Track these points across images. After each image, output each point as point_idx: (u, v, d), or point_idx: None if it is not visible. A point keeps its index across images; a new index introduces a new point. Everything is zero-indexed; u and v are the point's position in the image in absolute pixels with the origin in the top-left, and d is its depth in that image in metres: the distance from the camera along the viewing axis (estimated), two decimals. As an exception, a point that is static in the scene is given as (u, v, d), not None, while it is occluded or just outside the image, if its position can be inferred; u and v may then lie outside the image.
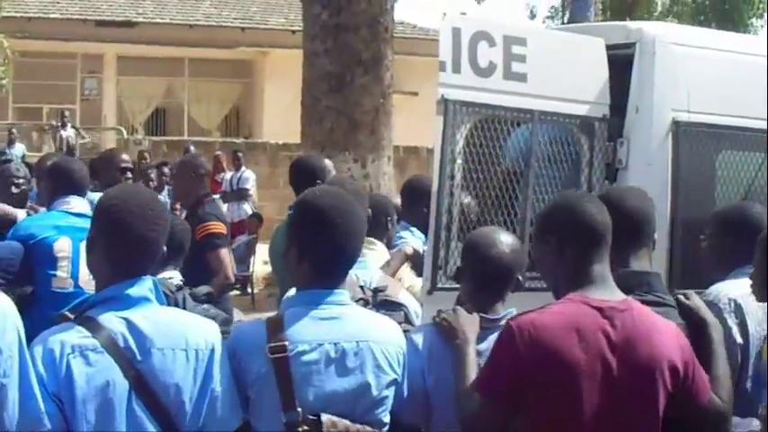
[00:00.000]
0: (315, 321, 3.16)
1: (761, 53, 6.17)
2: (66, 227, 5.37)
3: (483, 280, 3.75)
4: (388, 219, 5.65)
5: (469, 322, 3.53)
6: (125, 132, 20.20)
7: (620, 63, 6.01)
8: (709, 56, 6.09)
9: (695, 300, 3.66)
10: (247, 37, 23.86)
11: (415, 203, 6.12)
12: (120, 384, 2.91)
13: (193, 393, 3.00)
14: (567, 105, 5.90)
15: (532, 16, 41.17)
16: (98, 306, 3.01)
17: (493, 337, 3.46)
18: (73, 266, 5.26)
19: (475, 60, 5.70)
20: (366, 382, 3.15)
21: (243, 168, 17.98)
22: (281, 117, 22.43)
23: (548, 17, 39.53)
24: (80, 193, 5.65)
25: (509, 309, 3.69)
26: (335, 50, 13.59)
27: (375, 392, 3.15)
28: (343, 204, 3.27)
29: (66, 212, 5.49)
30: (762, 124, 6.00)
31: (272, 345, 3.10)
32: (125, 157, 7.50)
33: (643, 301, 3.42)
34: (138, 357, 2.94)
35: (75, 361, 2.89)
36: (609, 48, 6.02)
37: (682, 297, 3.66)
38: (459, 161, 5.69)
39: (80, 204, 5.56)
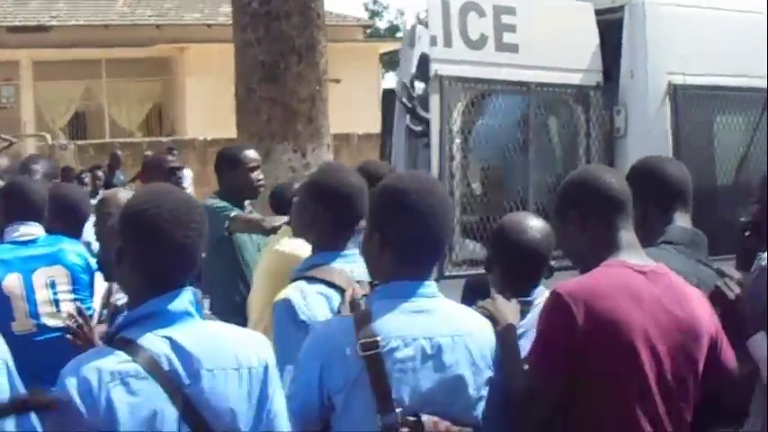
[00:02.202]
0: (407, 315, 2.86)
1: (754, 9, 6.02)
2: (12, 260, 4.74)
3: (518, 266, 3.61)
4: None
5: (510, 309, 3.32)
6: (49, 138, 19.60)
7: (609, 28, 5.82)
8: (700, 15, 5.93)
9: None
10: (163, 34, 23.37)
11: None
12: (169, 414, 2.52)
13: (249, 418, 2.64)
14: (560, 75, 5.71)
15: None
16: (135, 325, 2.60)
17: (531, 317, 3.32)
18: (29, 304, 4.68)
19: (466, 32, 5.46)
20: (463, 380, 2.87)
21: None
22: (203, 113, 22.06)
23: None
24: (37, 218, 4.94)
25: (540, 287, 3.60)
26: (268, 39, 13.16)
27: (472, 391, 2.87)
28: (431, 187, 2.98)
29: (15, 243, 4.83)
30: (759, 82, 5.85)
31: (364, 341, 2.79)
32: (171, 157, 7.01)
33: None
34: (186, 381, 2.55)
35: (116, 390, 2.48)
36: (596, 12, 5.83)
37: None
38: (457, 140, 5.45)
39: (33, 231, 4.89)
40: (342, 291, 3.51)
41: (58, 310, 4.67)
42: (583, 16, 5.77)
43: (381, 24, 47.08)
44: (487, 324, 3.03)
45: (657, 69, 5.74)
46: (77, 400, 2.47)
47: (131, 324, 2.62)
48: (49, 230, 4.93)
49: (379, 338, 2.79)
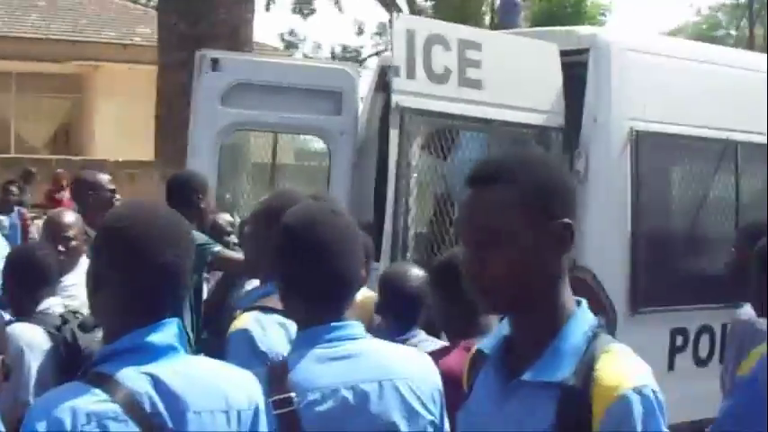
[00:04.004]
0: (324, 363, 2.59)
1: (718, 61, 5.97)
2: None
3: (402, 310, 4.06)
4: None
5: None
6: (-46, 153, 18.96)
7: (573, 69, 5.70)
8: (665, 63, 5.86)
9: None
10: (78, 51, 22.81)
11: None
12: None
13: None
14: (522, 114, 5.55)
15: (360, 32, 41.18)
16: (114, 359, 2.29)
17: None
18: None
19: (429, 66, 5.30)
20: (396, 428, 2.58)
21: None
22: (111, 133, 21.57)
23: (375, 33, 39.52)
24: None
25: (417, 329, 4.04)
26: (193, 63, 12.97)
27: None
28: (327, 218, 2.69)
29: None
30: (718, 133, 5.80)
31: (276, 398, 2.51)
32: (106, 176, 6.62)
33: None
34: (170, 425, 2.26)
35: None
36: (561, 53, 5.72)
37: None
38: (414, 175, 5.26)
39: None
40: None
41: None
42: (548, 56, 5.65)
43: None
44: (429, 364, 2.74)
45: (620, 115, 5.64)
46: None
47: (109, 358, 2.30)
48: None
49: (292, 395, 2.52)
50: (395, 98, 5.21)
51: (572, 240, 2.10)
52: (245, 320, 3.27)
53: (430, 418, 2.64)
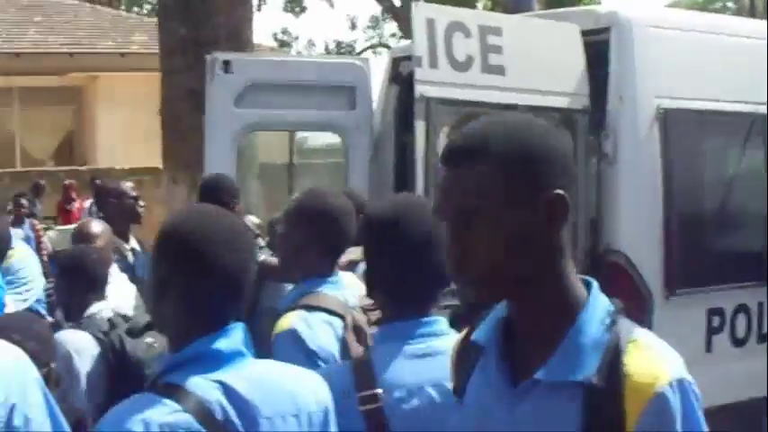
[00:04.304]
0: (410, 360, 2.56)
1: (743, 34, 5.86)
2: None
3: None
4: None
5: None
6: (-37, 168, 18.94)
7: (594, 49, 5.59)
8: (689, 38, 5.74)
9: None
10: (76, 62, 22.77)
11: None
12: None
13: None
14: (548, 98, 5.46)
15: (353, 27, 41.12)
16: (181, 368, 2.22)
17: None
18: None
19: (452, 53, 5.20)
20: None
21: (104, 196, 16.97)
22: (115, 142, 21.56)
23: (368, 27, 39.44)
24: None
25: None
26: (197, 66, 12.84)
27: None
28: (422, 212, 2.65)
29: None
30: (748, 107, 5.69)
31: (362, 394, 2.50)
32: (129, 184, 6.58)
33: None
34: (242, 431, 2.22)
35: None
36: (582, 33, 5.61)
37: None
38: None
39: None
40: (341, 317, 3.27)
41: None
42: (569, 37, 5.54)
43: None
44: None
45: (646, 93, 5.52)
46: None
47: (176, 367, 2.23)
48: None
49: (379, 391, 2.49)
50: (419, 89, 5.11)
51: (566, 212, 1.82)
52: (291, 320, 3.22)
53: None
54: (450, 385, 2.39)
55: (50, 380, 2.81)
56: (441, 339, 2.60)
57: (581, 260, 5.47)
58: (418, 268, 2.58)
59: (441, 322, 2.64)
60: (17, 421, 2.14)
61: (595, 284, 1.90)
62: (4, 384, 2.12)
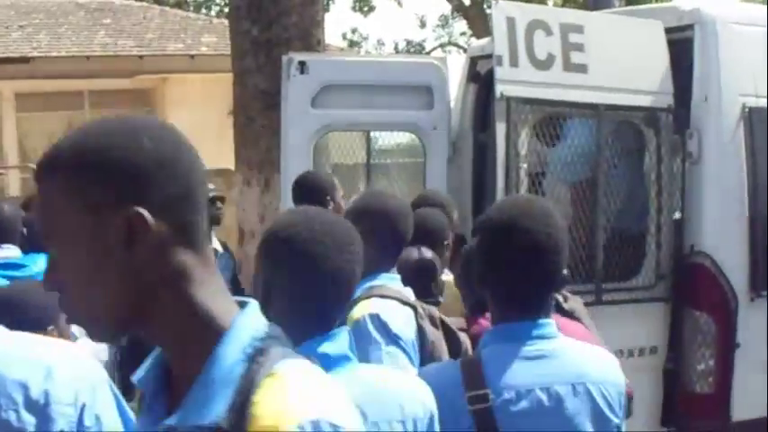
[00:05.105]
0: (521, 362, 2.52)
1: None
2: None
3: None
4: None
5: None
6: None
7: (678, 47, 5.50)
8: (770, 34, 5.60)
9: None
10: (146, 64, 22.99)
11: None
12: None
13: None
14: (631, 97, 5.37)
15: (422, 26, 41.00)
16: None
17: None
18: None
19: (532, 52, 5.14)
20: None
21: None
22: (187, 143, 21.76)
23: (437, 26, 39.29)
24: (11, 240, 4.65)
25: None
26: (268, 67, 12.91)
27: None
28: (535, 212, 2.61)
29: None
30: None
31: (472, 394, 2.46)
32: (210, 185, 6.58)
33: None
34: None
35: None
36: (665, 31, 5.51)
37: None
38: (524, 165, 5.10)
39: (10, 254, 4.58)
40: (412, 307, 3.39)
41: None
42: (652, 35, 5.45)
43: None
44: (616, 366, 2.66)
45: (731, 91, 5.42)
46: None
47: None
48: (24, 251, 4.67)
49: (488, 391, 2.45)
50: (499, 88, 5.06)
51: (143, 232, 1.44)
52: (369, 306, 3.30)
53: (616, 421, 2.59)
54: (559, 389, 2.45)
55: None
56: (552, 342, 2.57)
57: (666, 262, 5.39)
58: (531, 271, 2.55)
59: (551, 325, 2.61)
60: (88, 421, 2.14)
61: (251, 305, 1.59)
62: (75, 385, 2.13)
